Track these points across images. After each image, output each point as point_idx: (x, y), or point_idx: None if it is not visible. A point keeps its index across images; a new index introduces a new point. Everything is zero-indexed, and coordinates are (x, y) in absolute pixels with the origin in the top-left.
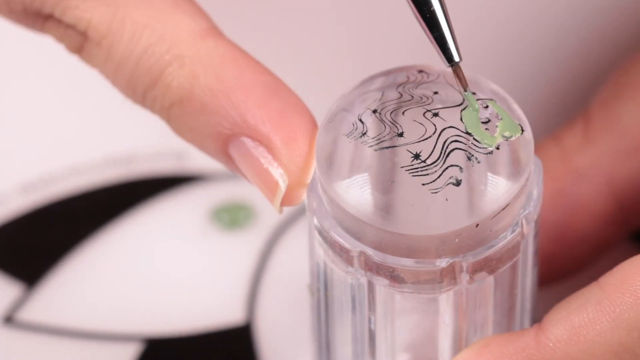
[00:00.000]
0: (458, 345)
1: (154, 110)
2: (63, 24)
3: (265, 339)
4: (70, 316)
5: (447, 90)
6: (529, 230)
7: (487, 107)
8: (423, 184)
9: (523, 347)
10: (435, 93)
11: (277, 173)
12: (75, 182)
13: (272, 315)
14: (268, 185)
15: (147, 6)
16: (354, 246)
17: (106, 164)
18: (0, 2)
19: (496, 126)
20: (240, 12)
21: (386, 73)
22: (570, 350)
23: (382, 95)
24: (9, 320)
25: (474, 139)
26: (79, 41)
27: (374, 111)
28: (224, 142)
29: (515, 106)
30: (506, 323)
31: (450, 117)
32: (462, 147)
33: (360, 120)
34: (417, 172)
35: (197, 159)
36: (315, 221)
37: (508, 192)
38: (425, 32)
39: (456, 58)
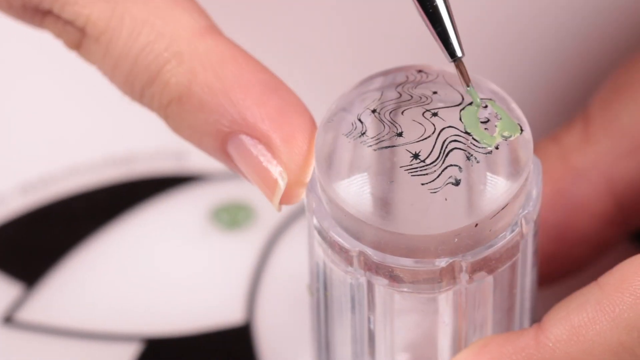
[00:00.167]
0: (457, 345)
1: (152, 108)
2: (61, 19)
3: (265, 339)
4: (70, 316)
5: (447, 90)
6: (528, 230)
7: (486, 106)
8: (422, 184)
9: (522, 347)
10: (435, 93)
11: (277, 171)
12: (75, 182)
13: (272, 315)
14: (267, 183)
15: (146, 3)
16: (353, 246)
17: (106, 164)
18: None
19: (495, 126)
20: (239, 12)
21: (385, 73)
22: (570, 350)
23: (382, 95)
24: (9, 320)
25: (473, 138)
26: (78, 37)
27: (373, 111)
28: (223, 140)
29: (515, 106)
30: (505, 323)
31: (450, 116)
32: (462, 147)
33: (360, 120)
34: (417, 171)
35: (196, 159)
36: (315, 221)
37: (507, 192)
38: (427, 27)
39: (459, 53)
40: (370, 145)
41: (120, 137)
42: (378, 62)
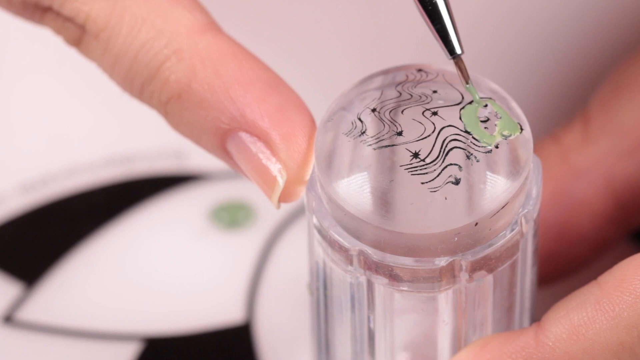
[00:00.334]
0: (457, 344)
1: (152, 105)
2: (61, 16)
3: (265, 338)
4: (69, 315)
5: (446, 89)
6: (528, 229)
7: (486, 106)
8: (422, 183)
9: (522, 346)
10: (434, 92)
11: (276, 169)
12: (74, 182)
13: (272, 314)
14: (266, 180)
15: (146, 0)
16: (353, 245)
17: (106, 163)
18: None
19: (495, 125)
20: (240, 11)
21: (385, 72)
22: (570, 349)
23: (381, 94)
24: (9, 319)
25: (473, 137)
26: (77, 34)
27: (373, 110)
28: (222, 137)
29: (515, 105)
30: (505, 322)
31: (450, 115)
32: (461, 146)
33: (360, 119)
34: (416, 170)
35: (196, 159)
36: (315, 220)
37: (507, 191)
38: (427, 24)
39: (458, 50)
40: (370, 145)
41: (119, 137)
42: (378, 62)
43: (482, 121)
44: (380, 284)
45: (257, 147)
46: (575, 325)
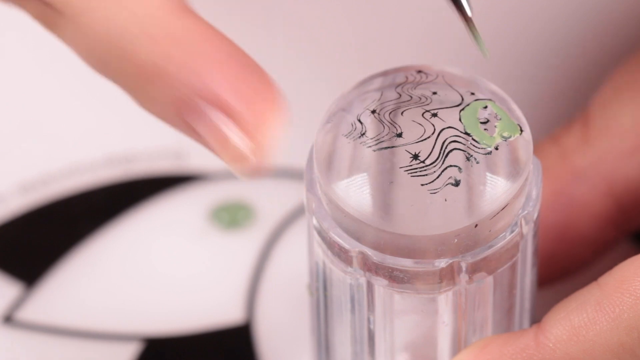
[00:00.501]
0: (457, 346)
1: (125, 87)
2: (41, 0)
3: (265, 339)
4: (69, 316)
5: (446, 90)
6: (527, 230)
7: (486, 107)
8: (422, 184)
9: (522, 348)
10: (434, 93)
11: (237, 137)
12: (74, 182)
13: (272, 314)
14: (228, 150)
15: None
16: (353, 246)
17: (105, 163)
18: None
19: (495, 126)
20: (240, 11)
21: (385, 73)
22: (570, 350)
23: (381, 95)
24: (8, 319)
25: (472, 139)
26: (55, 18)
27: (373, 111)
28: (182, 108)
29: (514, 106)
30: (505, 323)
31: (449, 117)
32: (461, 148)
33: (359, 120)
34: (416, 172)
35: (196, 159)
36: (314, 221)
37: (507, 192)
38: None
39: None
40: (370, 146)
41: (119, 137)
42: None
43: (481, 122)
44: (380, 285)
45: (218, 117)
46: (576, 326)
